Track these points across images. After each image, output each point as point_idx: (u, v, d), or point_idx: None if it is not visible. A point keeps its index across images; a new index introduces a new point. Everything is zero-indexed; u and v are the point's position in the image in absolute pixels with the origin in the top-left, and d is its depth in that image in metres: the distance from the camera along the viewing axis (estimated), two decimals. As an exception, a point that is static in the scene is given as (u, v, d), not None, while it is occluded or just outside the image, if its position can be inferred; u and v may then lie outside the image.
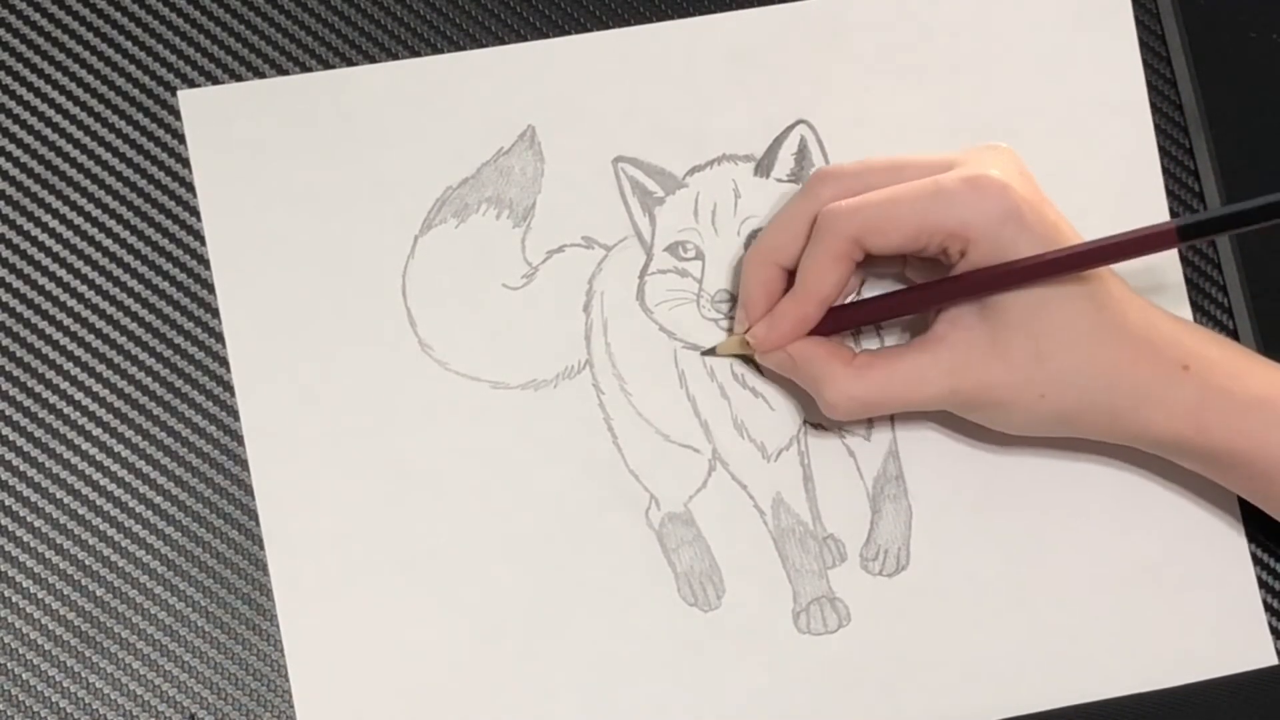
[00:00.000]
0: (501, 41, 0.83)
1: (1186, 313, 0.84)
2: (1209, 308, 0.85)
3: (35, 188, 0.80)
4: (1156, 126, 0.85)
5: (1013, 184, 0.76)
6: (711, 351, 0.82)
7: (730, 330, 0.82)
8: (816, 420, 0.82)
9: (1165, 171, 0.85)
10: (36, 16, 0.81)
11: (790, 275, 0.79)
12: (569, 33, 0.83)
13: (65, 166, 0.80)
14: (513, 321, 0.81)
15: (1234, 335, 0.84)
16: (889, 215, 0.76)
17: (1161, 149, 0.85)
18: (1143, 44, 0.86)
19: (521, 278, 0.82)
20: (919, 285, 0.80)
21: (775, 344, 0.79)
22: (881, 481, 0.82)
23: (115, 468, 0.79)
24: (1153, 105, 0.85)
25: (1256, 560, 0.83)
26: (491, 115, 0.82)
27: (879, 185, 0.77)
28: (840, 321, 0.80)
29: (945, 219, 0.76)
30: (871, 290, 0.82)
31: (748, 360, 0.82)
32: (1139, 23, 0.86)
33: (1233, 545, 0.83)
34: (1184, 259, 0.85)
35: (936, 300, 0.78)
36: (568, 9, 0.83)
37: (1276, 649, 0.83)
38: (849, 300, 0.82)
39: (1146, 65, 0.85)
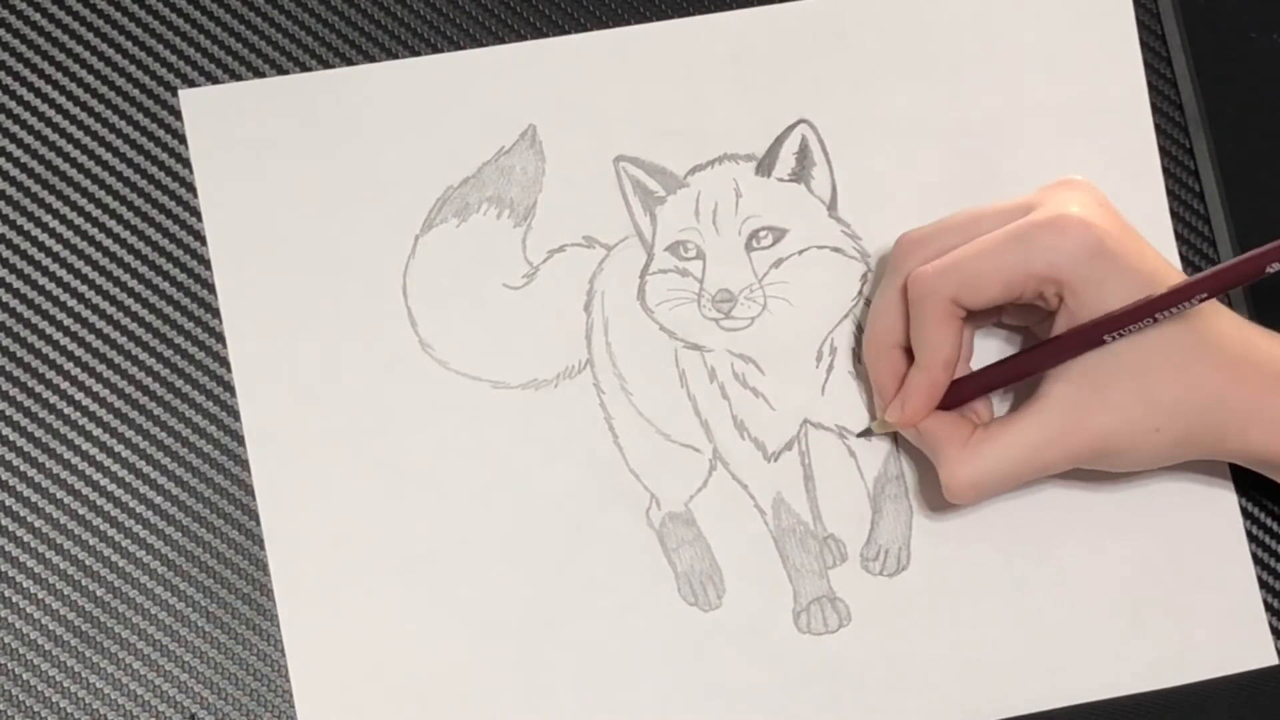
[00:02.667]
0: (502, 41, 0.83)
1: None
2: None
3: (35, 188, 0.80)
4: (1157, 126, 0.85)
5: (1093, 219, 0.76)
6: (867, 434, 0.82)
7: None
8: (818, 420, 0.82)
9: (1165, 171, 0.85)
10: (36, 16, 0.81)
11: (908, 352, 0.79)
12: (570, 32, 0.83)
13: (65, 166, 0.80)
14: (513, 321, 0.81)
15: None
16: (978, 271, 0.76)
17: (1161, 149, 0.85)
18: (1143, 44, 0.86)
19: (522, 277, 0.82)
20: (1031, 349, 0.79)
21: (910, 420, 0.79)
22: (882, 481, 0.82)
23: (115, 468, 0.79)
24: (1153, 105, 0.85)
25: (1256, 560, 0.83)
26: (492, 115, 0.82)
27: (960, 242, 0.77)
28: (961, 393, 0.79)
29: (1033, 264, 0.76)
30: (983, 348, 0.83)
31: (749, 360, 0.82)
32: (1139, 22, 0.86)
33: (1233, 545, 0.83)
34: (1179, 236, 0.85)
35: (1051, 359, 0.77)
36: (568, 9, 0.83)
37: (1276, 649, 0.83)
38: (973, 362, 0.81)
39: (1146, 65, 0.86)
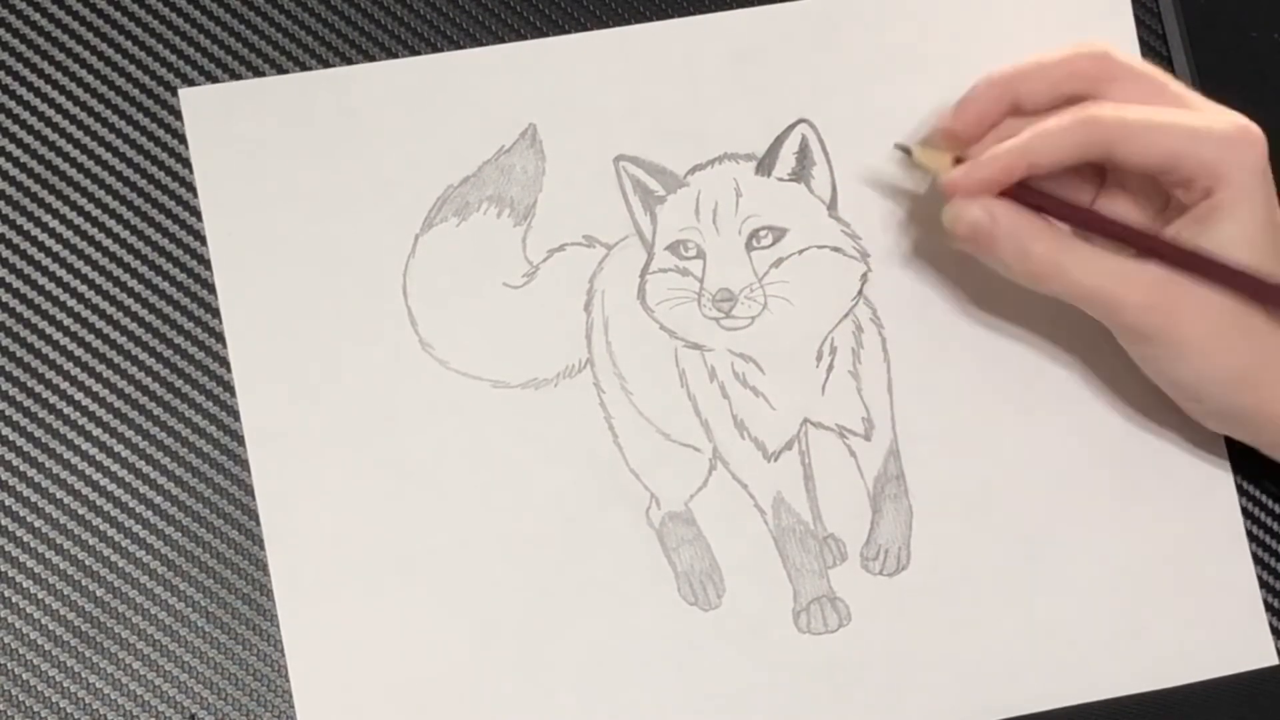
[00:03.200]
0: (502, 40, 0.83)
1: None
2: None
3: (35, 188, 0.80)
4: (1156, 126, 0.85)
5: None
6: (906, 150, 0.81)
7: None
8: (818, 419, 0.82)
9: (1165, 171, 0.85)
10: (36, 16, 0.81)
11: (1007, 123, 0.78)
12: (570, 32, 0.83)
13: (65, 166, 0.80)
14: (513, 320, 0.81)
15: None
16: (1162, 130, 0.76)
17: (1161, 149, 0.85)
18: (1143, 44, 0.86)
19: (522, 276, 0.82)
20: (1136, 227, 0.78)
21: (970, 186, 0.77)
22: (882, 481, 0.82)
23: (115, 468, 0.79)
24: (1153, 105, 0.85)
25: (1256, 560, 0.83)
26: (492, 114, 0.82)
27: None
28: (1046, 204, 0.78)
29: (1209, 155, 0.76)
30: None
31: (749, 360, 0.82)
32: (1139, 22, 0.86)
33: (1233, 545, 0.83)
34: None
35: (1143, 246, 0.77)
36: (568, 8, 0.83)
37: (1276, 649, 0.83)
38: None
39: (1147, 65, 0.86)
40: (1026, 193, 0.78)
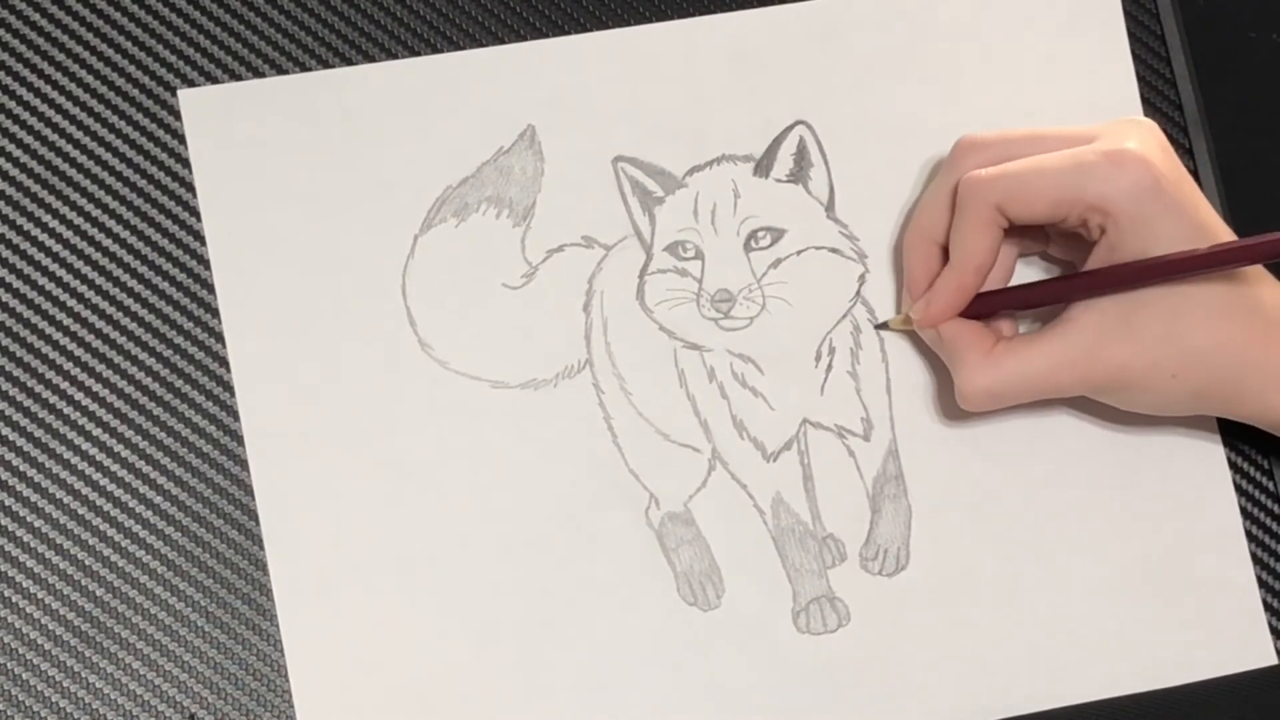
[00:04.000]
0: (501, 41, 0.83)
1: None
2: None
3: (35, 188, 0.80)
4: (1156, 126, 0.85)
5: (1153, 159, 0.76)
6: (884, 326, 0.82)
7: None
8: (817, 419, 0.82)
9: (1165, 171, 0.85)
10: (36, 16, 0.81)
11: (944, 253, 0.80)
12: (569, 33, 0.83)
13: (65, 166, 0.80)
14: (513, 321, 0.81)
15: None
16: (1030, 185, 0.77)
17: (1161, 149, 0.85)
18: (1143, 44, 0.86)
19: (521, 277, 0.82)
20: (1066, 276, 0.80)
21: (935, 319, 0.79)
22: (881, 481, 0.82)
23: (115, 468, 0.79)
24: (1153, 105, 0.85)
25: (1256, 560, 0.83)
26: (491, 115, 0.82)
27: (1017, 154, 0.78)
28: (989, 305, 0.80)
29: (1085, 191, 0.76)
30: (1022, 276, 0.83)
31: (748, 360, 0.82)
32: (1139, 23, 0.86)
33: (1233, 545, 0.83)
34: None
35: (1083, 291, 0.78)
36: (568, 9, 0.83)
37: (1276, 649, 0.82)
38: (1011, 284, 0.82)
39: (1146, 65, 0.86)
40: (975, 305, 0.80)
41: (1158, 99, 0.85)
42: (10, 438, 0.79)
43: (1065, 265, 0.83)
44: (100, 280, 0.80)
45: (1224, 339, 0.77)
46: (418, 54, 0.82)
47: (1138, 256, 0.76)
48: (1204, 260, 0.75)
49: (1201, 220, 0.77)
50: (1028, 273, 0.83)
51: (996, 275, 0.81)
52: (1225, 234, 0.77)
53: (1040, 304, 0.80)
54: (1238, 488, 0.83)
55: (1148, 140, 0.77)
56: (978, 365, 0.78)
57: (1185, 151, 0.85)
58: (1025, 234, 0.81)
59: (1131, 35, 0.86)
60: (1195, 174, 0.85)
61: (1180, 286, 0.76)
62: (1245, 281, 0.77)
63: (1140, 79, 0.86)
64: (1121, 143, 0.77)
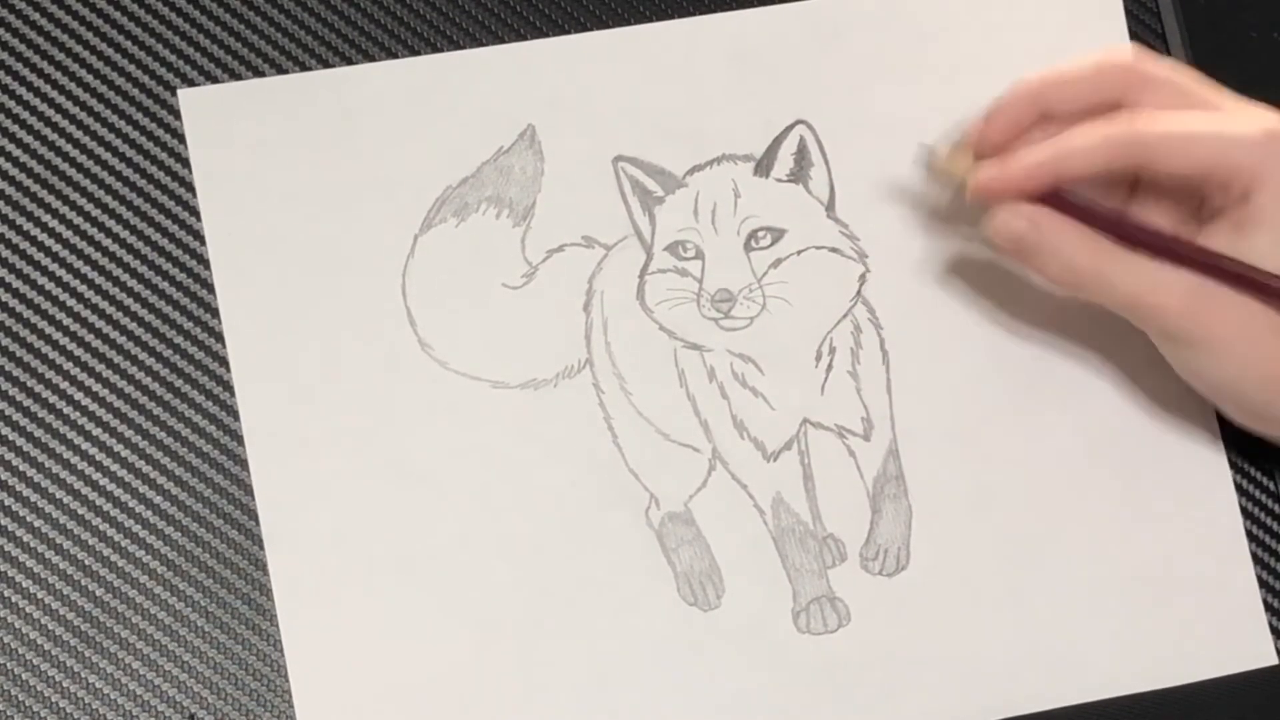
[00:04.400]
0: (501, 40, 0.83)
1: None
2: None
3: (35, 188, 0.80)
4: (1156, 126, 0.85)
5: None
6: (931, 151, 0.80)
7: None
8: (817, 419, 0.82)
9: (1165, 171, 0.85)
10: (36, 16, 0.81)
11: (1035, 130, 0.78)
12: (569, 32, 0.83)
13: (65, 166, 0.80)
14: (513, 321, 0.81)
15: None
16: (1195, 139, 0.76)
17: (1161, 149, 0.85)
18: (1143, 44, 0.86)
19: (521, 277, 0.82)
20: (1198, 246, 0.78)
21: (998, 190, 0.77)
22: (881, 481, 0.82)
23: (115, 468, 0.79)
24: (1153, 105, 0.85)
25: (1256, 560, 0.83)
26: (491, 114, 0.82)
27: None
28: (1066, 208, 0.77)
29: (1244, 160, 0.75)
30: None
31: (749, 360, 0.82)
32: (1139, 22, 0.86)
33: (1233, 545, 0.83)
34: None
35: (1186, 260, 0.77)
36: (568, 8, 0.83)
37: (1276, 649, 0.82)
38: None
39: (1146, 65, 0.86)
40: (1061, 200, 0.77)
41: (1158, 99, 0.86)
42: (9, 437, 0.79)
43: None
44: (99, 280, 0.80)
45: None
46: (417, 54, 0.82)
47: (1269, 240, 0.75)
48: None
49: None
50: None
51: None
52: None
53: (1144, 245, 0.77)
54: (1238, 488, 0.83)
55: None
56: (1089, 243, 0.76)
57: (1185, 151, 0.85)
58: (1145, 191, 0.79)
59: (1132, 35, 0.86)
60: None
61: None
62: None
63: (1140, 79, 0.86)
64: (1277, 122, 0.76)
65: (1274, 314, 0.76)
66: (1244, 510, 0.83)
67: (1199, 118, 0.77)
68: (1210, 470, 0.83)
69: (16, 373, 0.79)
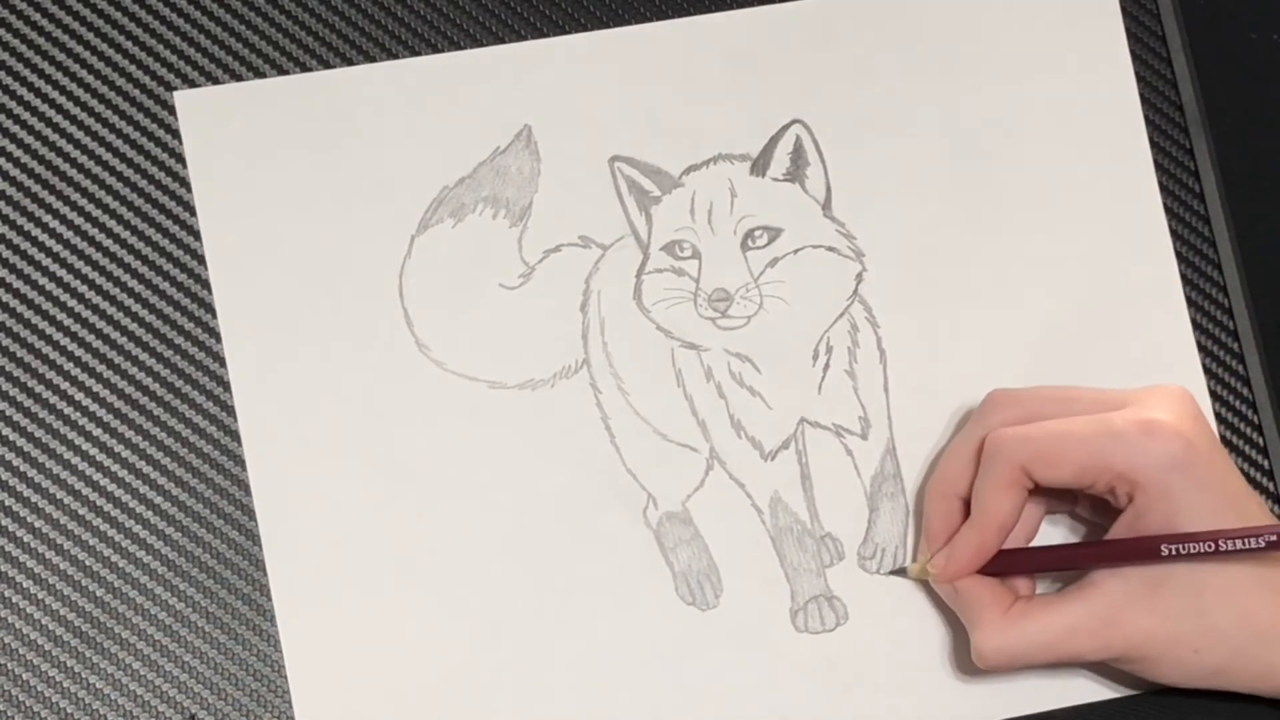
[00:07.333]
0: (499, 41, 0.83)
1: (1186, 323, 0.84)
2: (1210, 310, 0.85)
3: (34, 187, 0.80)
4: (1157, 126, 0.85)
5: (1185, 431, 0.75)
6: (901, 572, 0.81)
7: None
8: (814, 419, 0.82)
9: (1165, 171, 0.85)
10: (36, 16, 0.81)
11: (967, 505, 0.79)
12: (566, 32, 0.83)
13: (63, 166, 0.80)
14: (510, 321, 0.81)
15: (1234, 337, 0.84)
16: (1058, 448, 0.76)
17: (1162, 149, 0.85)
18: (1143, 44, 0.86)
19: (518, 277, 0.82)
20: (1089, 543, 0.80)
21: (953, 574, 0.78)
22: (879, 480, 0.82)
23: (115, 468, 0.79)
24: (1153, 105, 0.85)
25: (1256, 560, 0.83)
26: (488, 115, 0.82)
27: (1048, 414, 0.77)
28: (1009, 564, 0.79)
29: (1113, 460, 0.75)
30: (1047, 534, 0.82)
31: (746, 360, 0.82)
32: (1139, 22, 0.86)
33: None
34: (1178, 236, 0.85)
35: (1106, 560, 0.77)
36: (565, 9, 0.83)
37: (1277, 649, 0.82)
38: (1034, 543, 0.81)
39: (1146, 65, 0.85)
40: (995, 562, 0.78)
41: (1158, 99, 0.85)
42: (10, 438, 0.79)
43: (1092, 525, 0.81)
44: (97, 279, 0.80)
45: (1249, 615, 0.75)
46: (414, 54, 0.83)
47: (1164, 528, 0.75)
48: (1226, 535, 0.74)
49: (1231, 495, 0.75)
50: (1051, 531, 0.82)
51: (1019, 533, 0.79)
52: (1257, 507, 0.76)
53: (1062, 568, 0.79)
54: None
55: (1180, 410, 0.76)
56: (994, 625, 0.77)
57: (1185, 151, 0.85)
58: (1053, 494, 0.79)
59: (1131, 35, 0.86)
60: (1195, 174, 0.85)
61: (1212, 562, 0.75)
62: (1273, 559, 0.75)
63: (1140, 79, 0.86)
64: (1154, 412, 0.75)
65: (1195, 615, 0.75)
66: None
67: (1076, 423, 0.76)
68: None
69: (15, 372, 0.79)
